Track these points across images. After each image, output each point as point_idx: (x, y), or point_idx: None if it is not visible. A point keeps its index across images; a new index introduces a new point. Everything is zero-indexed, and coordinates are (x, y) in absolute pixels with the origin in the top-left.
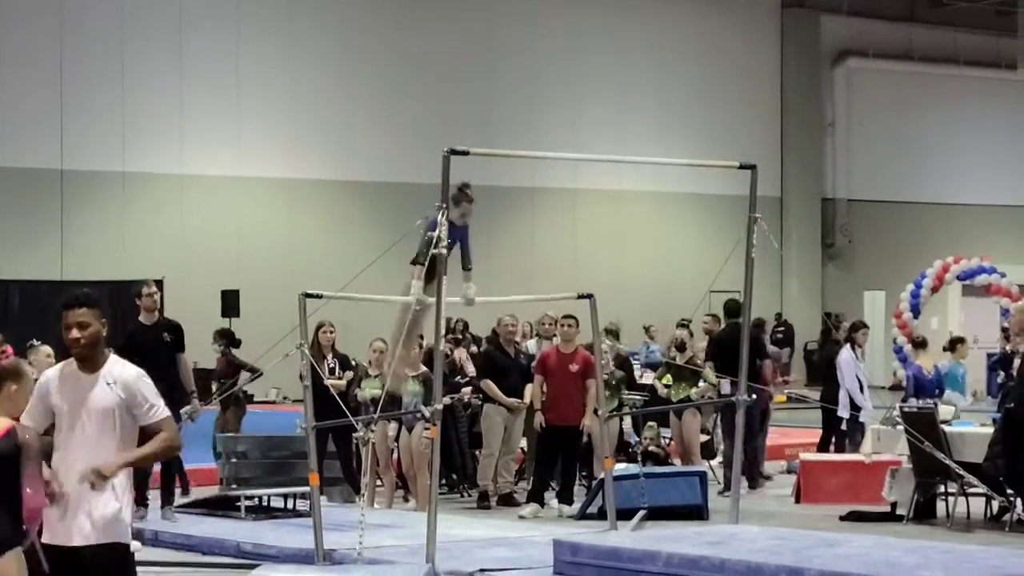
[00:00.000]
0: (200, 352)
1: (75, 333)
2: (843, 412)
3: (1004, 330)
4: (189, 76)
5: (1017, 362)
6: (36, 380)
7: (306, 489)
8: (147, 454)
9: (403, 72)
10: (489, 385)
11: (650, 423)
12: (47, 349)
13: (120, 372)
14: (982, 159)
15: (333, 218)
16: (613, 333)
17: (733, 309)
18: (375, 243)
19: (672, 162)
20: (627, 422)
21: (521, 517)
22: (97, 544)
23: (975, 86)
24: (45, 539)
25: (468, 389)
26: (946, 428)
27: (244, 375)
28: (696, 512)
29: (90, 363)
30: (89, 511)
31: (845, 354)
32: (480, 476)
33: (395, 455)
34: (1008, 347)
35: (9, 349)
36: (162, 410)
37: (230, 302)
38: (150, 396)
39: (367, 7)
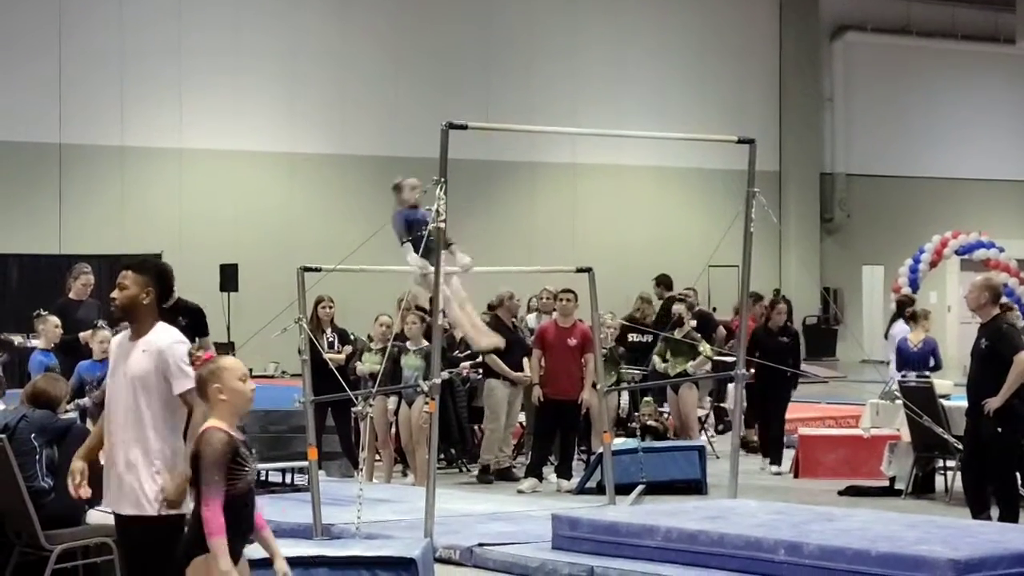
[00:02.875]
0: None
1: (114, 294)
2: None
3: (1002, 304)
4: (187, 49)
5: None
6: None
7: (304, 464)
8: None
9: (402, 46)
10: (495, 360)
11: (646, 398)
12: (55, 319)
13: (156, 338)
14: (981, 133)
15: (332, 192)
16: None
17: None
18: (374, 217)
19: (670, 136)
20: (624, 397)
21: (519, 492)
22: (138, 515)
23: (973, 60)
24: (104, 505)
25: (467, 363)
26: (944, 402)
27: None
28: (695, 486)
29: (135, 329)
30: (132, 483)
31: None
32: (484, 450)
33: (394, 429)
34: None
35: (207, 354)
36: (188, 381)
37: (228, 276)
38: (175, 364)
39: None
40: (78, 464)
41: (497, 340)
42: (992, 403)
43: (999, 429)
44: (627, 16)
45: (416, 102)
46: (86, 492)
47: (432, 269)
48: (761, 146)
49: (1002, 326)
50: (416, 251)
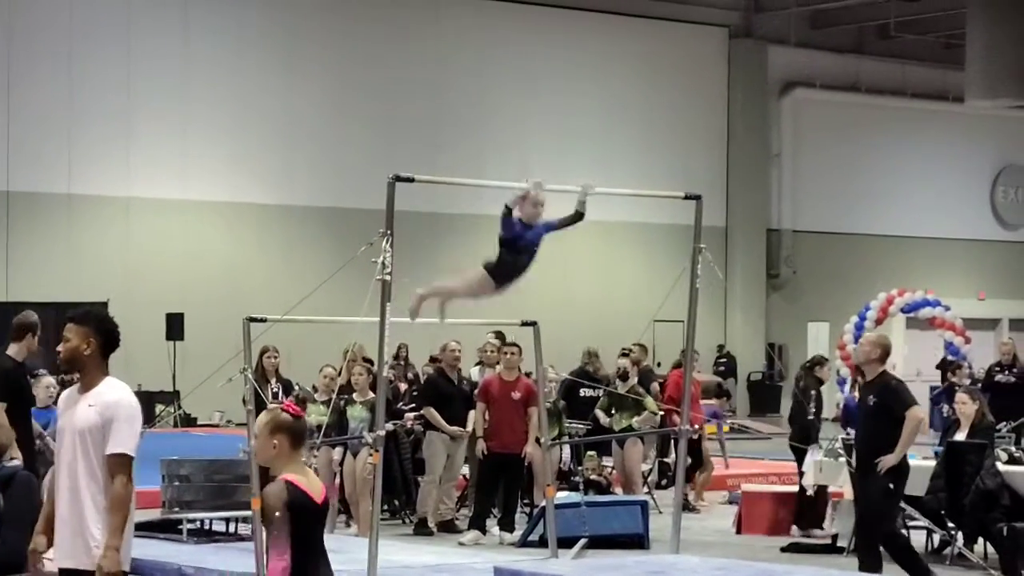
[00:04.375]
0: (143, 374)
1: (59, 347)
2: None
3: (949, 363)
4: (135, 99)
5: (856, 394)
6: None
7: (248, 513)
8: (119, 525)
9: (349, 98)
10: (431, 413)
11: (590, 452)
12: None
13: (104, 392)
14: (928, 191)
15: (279, 243)
16: (593, 355)
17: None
18: (320, 268)
19: (617, 192)
20: (567, 450)
21: (461, 544)
22: (72, 569)
23: (922, 118)
24: (50, 554)
25: (411, 415)
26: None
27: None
28: (637, 541)
29: (83, 382)
30: (73, 537)
31: None
32: (420, 503)
33: (338, 480)
34: (953, 380)
35: (287, 404)
36: (124, 444)
37: (175, 325)
38: (119, 422)
39: (313, 33)
40: (39, 540)
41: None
42: (888, 460)
43: (891, 485)
44: (575, 71)
45: (363, 154)
46: (43, 567)
47: (539, 183)
48: (708, 201)
49: (891, 382)
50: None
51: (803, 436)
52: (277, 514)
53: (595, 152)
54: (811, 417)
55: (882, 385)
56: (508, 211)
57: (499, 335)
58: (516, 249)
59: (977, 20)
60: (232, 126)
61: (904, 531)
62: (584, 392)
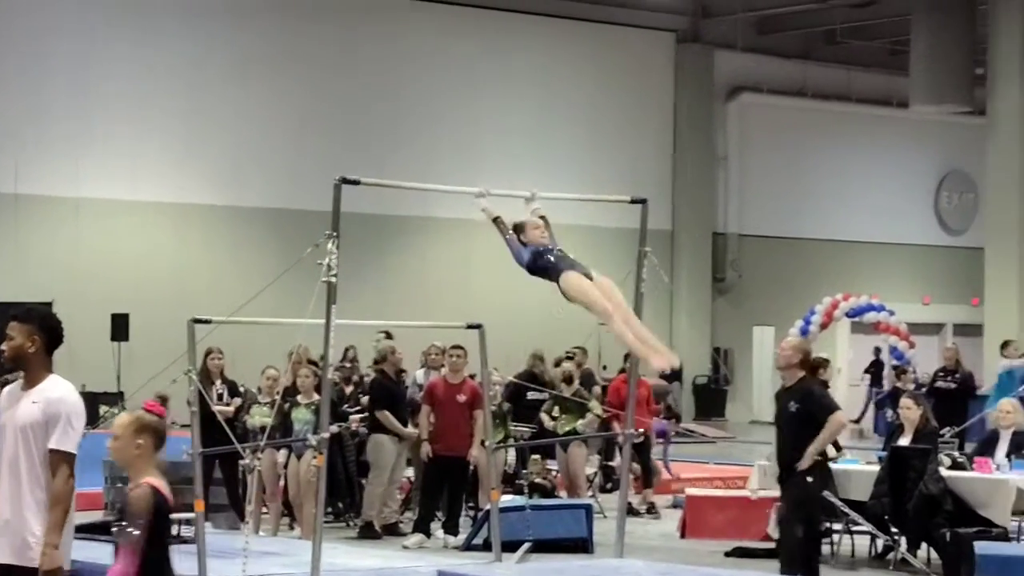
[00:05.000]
0: (88, 375)
1: (2, 345)
2: None
3: (895, 367)
4: (86, 100)
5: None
6: None
7: (191, 515)
8: (58, 521)
9: (296, 100)
10: (387, 416)
11: (534, 456)
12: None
13: (48, 389)
14: (874, 196)
15: (224, 244)
16: (539, 358)
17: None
18: (266, 270)
19: (563, 196)
20: (512, 454)
21: (406, 547)
22: (12, 565)
23: (868, 124)
24: None
25: (356, 417)
26: (832, 465)
27: None
28: (581, 545)
29: (27, 378)
30: (13, 533)
31: None
32: (367, 506)
33: (282, 482)
34: (898, 384)
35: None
36: (65, 442)
37: (120, 325)
38: (62, 420)
39: (262, 37)
40: None
41: (674, 360)
42: (802, 464)
43: (808, 478)
44: (522, 75)
45: (310, 156)
46: None
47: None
48: (654, 205)
49: (812, 388)
50: (544, 273)
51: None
52: (141, 520)
53: (542, 156)
54: None
55: (803, 391)
56: (517, 242)
57: (388, 335)
58: (539, 271)
59: (922, 27)
60: (181, 128)
61: (848, 536)
62: (531, 395)
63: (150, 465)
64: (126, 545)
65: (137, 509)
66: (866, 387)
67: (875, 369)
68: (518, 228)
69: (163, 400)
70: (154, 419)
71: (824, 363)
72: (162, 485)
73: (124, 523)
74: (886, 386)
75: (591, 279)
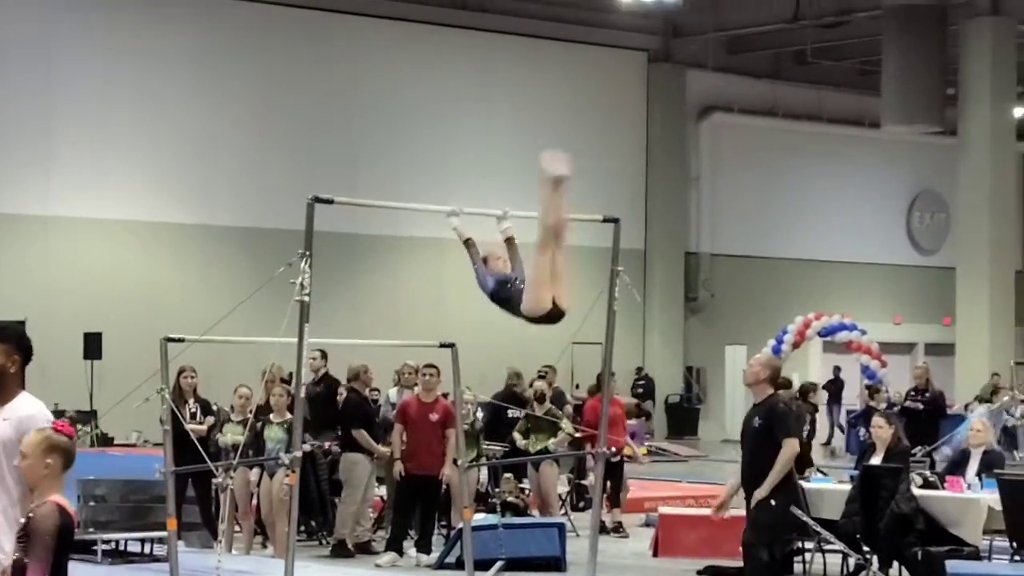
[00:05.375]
0: (60, 393)
1: None
2: None
3: (867, 386)
4: (56, 118)
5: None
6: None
7: (164, 534)
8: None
9: (268, 118)
10: (362, 434)
11: (507, 475)
12: None
13: (19, 407)
14: (845, 216)
15: (197, 262)
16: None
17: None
18: (238, 288)
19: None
20: (484, 472)
21: (378, 565)
22: None
23: (839, 143)
24: None
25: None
26: (804, 484)
27: None
28: (554, 564)
29: None
30: None
31: None
32: (340, 524)
33: (255, 501)
34: (871, 403)
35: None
36: None
37: (92, 344)
38: None
39: (232, 54)
40: None
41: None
42: (759, 492)
43: (772, 501)
44: (495, 94)
45: (282, 174)
46: None
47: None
48: (626, 224)
49: (778, 405)
50: (506, 304)
51: (799, 466)
52: (48, 538)
53: (514, 174)
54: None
55: (769, 407)
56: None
57: (323, 354)
58: (501, 302)
59: (892, 47)
60: (151, 146)
61: (820, 555)
62: (511, 413)
63: (57, 484)
64: (34, 563)
65: (43, 527)
66: (825, 405)
67: (834, 387)
68: (484, 260)
69: (72, 421)
70: (64, 439)
71: (813, 387)
72: (67, 504)
73: (28, 541)
74: (858, 405)
75: None
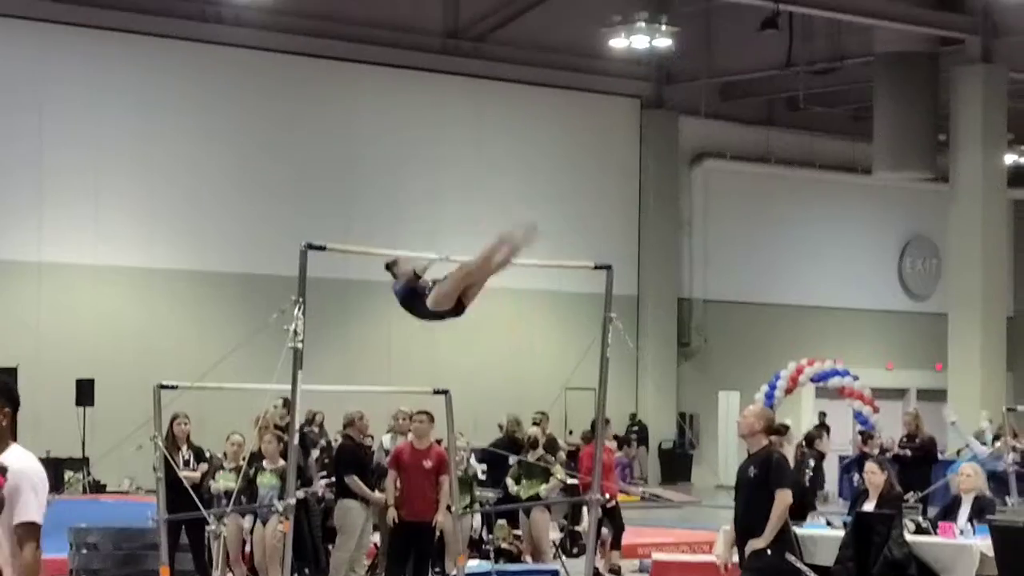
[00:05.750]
0: (52, 440)
1: None
2: None
3: (860, 432)
4: (47, 165)
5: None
6: None
7: None
8: None
9: (261, 164)
10: (355, 481)
11: (500, 521)
12: None
13: (10, 460)
14: (837, 262)
15: (190, 308)
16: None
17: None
18: (231, 334)
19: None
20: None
21: None
22: None
23: (831, 190)
24: None
25: (323, 483)
26: (797, 530)
27: None
28: None
29: None
30: None
31: None
32: (333, 571)
33: (247, 548)
34: (865, 449)
35: None
36: (31, 513)
37: (85, 390)
38: (26, 490)
39: (225, 98)
40: None
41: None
42: (756, 543)
43: (767, 550)
44: (489, 139)
45: (275, 219)
46: None
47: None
48: (619, 270)
49: (773, 455)
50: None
51: (799, 511)
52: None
53: (508, 220)
54: (807, 486)
55: (764, 457)
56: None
57: (285, 402)
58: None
59: (884, 94)
60: (144, 192)
61: None
62: (512, 460)
63: None
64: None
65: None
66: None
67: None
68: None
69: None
70: None
71: (819, 434)
72: None
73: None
74: (849, 450)
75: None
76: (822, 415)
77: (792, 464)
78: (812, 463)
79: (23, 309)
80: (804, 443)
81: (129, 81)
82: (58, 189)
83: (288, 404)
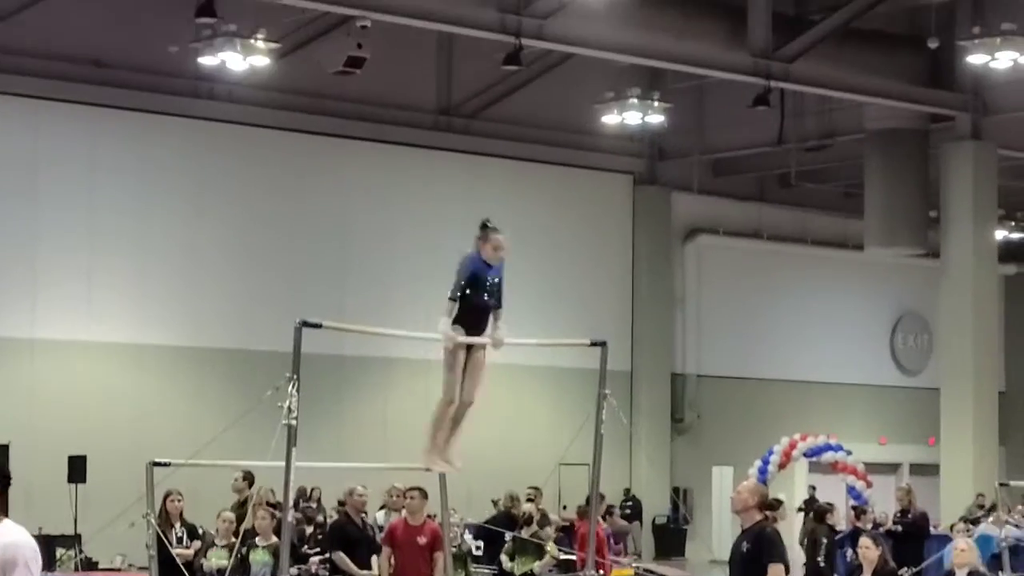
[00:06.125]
0: (44, 517)
1: None
2: None
3: (853, 507)
4: (40, 241)
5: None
6: None
7: None
8: None
9: (255, 238)
10: (341, 558)
11: None
12: None
13: (2, 534)
14: (829, 337)
15: (183, 385)
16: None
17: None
18: (225, 411)
19: (523, 343)
20: None
21: None
22: None
23: (823, 265)
24: None
25: (316, 559)
26: None
27: None
28: None
29: None
30: None
31: None
32: None
33: None
34: (857, 524)
35: None
36: None
37: (77, 467)
38: (19, 566)
39: (218, 174)
40: None
41: (443, 468)
42: None
43: None
44: (481, 214)
45: (269, 296)
46: None
47: (460, 338)
48: (613, 346)
49: (766, 530)
50: (454, 314)
51: None
52: None
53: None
54: (822, 565)
55: (757, 532)
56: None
57: (244, 476)
58: (481, 287)
59: (875, 171)
60: (137, 268)
61: None
62: (507, 536)
63: None
64: None
65: None
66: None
67: (809, 507)
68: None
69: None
70: None
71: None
72: None
73: None
74: (843, 526)
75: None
76: (811, 489)
77: (805, 542)
78: (825, 542)
79: (16, 385)
80: (814, 518)
81: (121, 157)
82: (51, 266)
83: (248, 477)
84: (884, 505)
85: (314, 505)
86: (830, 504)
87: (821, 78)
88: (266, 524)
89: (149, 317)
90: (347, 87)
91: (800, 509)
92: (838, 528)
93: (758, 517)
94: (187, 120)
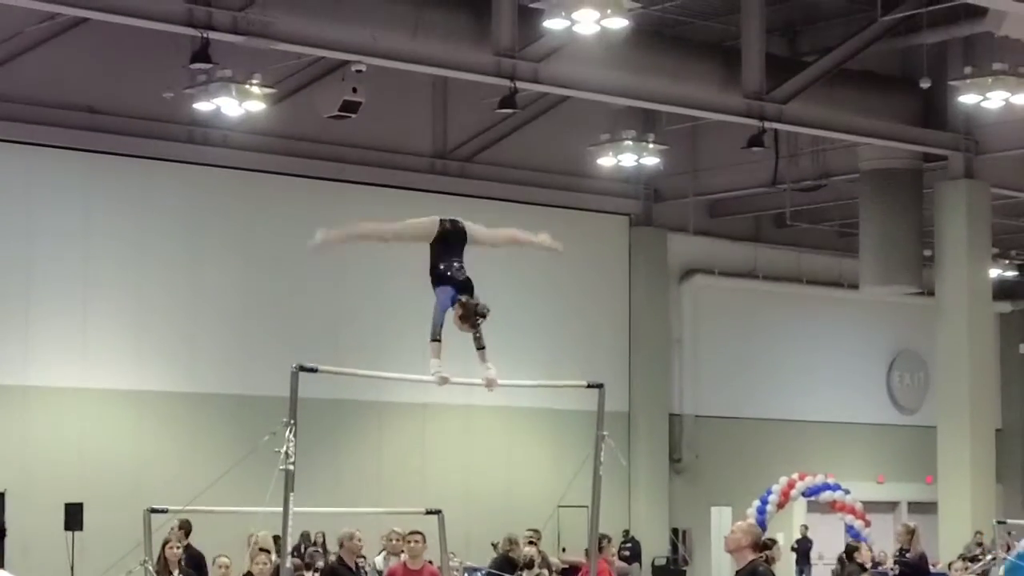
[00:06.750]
0: (41, 566)
1: None
2: None
3: (847, 546)
4: (34, 286)
5: None
6: None
7: None
8: None
9: (250, 283)
10: None
11: None
12: None
13: None
14: (827, 376)
15: (180, 430)
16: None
17: None
18: (223, 456)
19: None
20: None
21: None
22: None
23: (819, 305)
24: None
25: None
26: None
27: None
28: None
29: None
30: None
31: None
32: None
33: None
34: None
35: None
36: None
37: (73, 515)
38: None
39: (213, 218)
40: None
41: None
42: None
43: None
44: (477, 258)
45: (265, 340)
46: None
47: (453, 379)
48: (611, 387)
49: (758, 569)
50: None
51: None
52: None
53: (498, 338)
54: None
55: (750, 572)
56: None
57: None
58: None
59: (870, 211)
60: (133, 314)
61: None
62: None
63: None
64: None
65: None
66: (794, 566)
67: (802, 547)
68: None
69: None
70: None
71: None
72: None
73: None
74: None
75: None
76: (804, 528)
77: None
78: None
79: (10, 433)
80: (845, 556)
81: (116, 203)
82: (45, 312)
83: (184, 526)
84: (882, 544)
85: (320, 550)
86: (857, 543)
87: (815, 119)
88: (264, 569)
89: (145, 363)
90: (342, 131)
91: (793, 548)
92: (867, 566)
93: (751, 557)
94: (182, 165)
